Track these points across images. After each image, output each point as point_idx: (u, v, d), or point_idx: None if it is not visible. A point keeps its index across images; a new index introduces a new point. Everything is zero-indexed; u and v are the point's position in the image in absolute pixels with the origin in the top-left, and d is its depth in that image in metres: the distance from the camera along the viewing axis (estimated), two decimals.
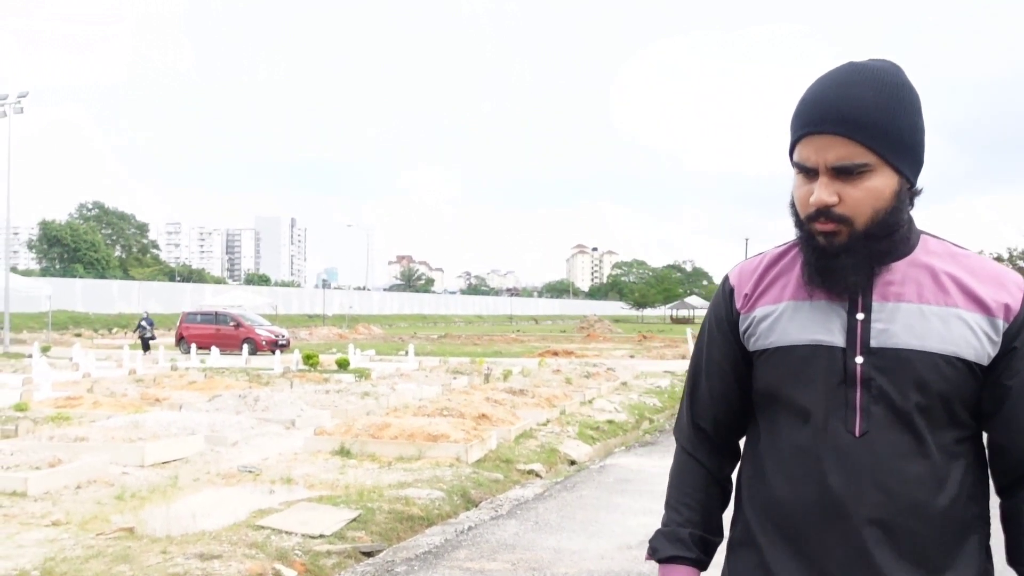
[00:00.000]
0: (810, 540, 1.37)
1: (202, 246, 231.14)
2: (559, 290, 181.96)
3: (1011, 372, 1.36)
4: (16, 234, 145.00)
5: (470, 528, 6.11)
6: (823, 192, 1.34)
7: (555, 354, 27.13)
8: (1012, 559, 1.41)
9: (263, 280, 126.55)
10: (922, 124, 1.37)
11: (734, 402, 1.54)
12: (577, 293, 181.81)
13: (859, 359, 1.36)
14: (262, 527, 5.83)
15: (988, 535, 1.40)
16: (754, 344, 1.47)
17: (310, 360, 19.68)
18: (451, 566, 5.12)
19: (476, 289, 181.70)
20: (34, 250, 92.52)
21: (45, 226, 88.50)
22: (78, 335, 41.33)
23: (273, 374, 18.09)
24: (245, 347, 26.14)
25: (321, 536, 5.77)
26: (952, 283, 1.38)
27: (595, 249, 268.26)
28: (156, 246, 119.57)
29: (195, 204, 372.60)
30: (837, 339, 1.38)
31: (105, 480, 7.39)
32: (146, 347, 28.55)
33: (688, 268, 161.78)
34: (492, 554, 5.49)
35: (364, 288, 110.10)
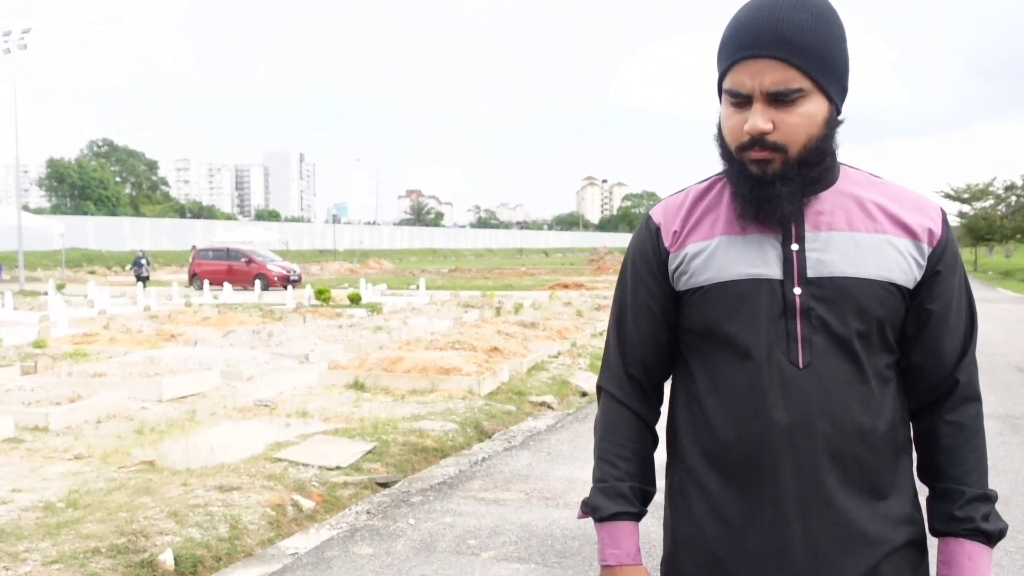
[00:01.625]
0: (762, 478, 1.35)
1: (211, 182, 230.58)
2: (569, 223, 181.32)
3: (932, 296, 1.38)
4: (26, 172, 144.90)
5: (484, 459, 6.22)
6: (758, 119, 1.29)
7: (565, 287, 27.17)
8: (924, 474, 1.45)
9: (273, 216, 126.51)
10: (848, 52, 1.35)
11: (662, 344, 1.49)
12: (587, 225, 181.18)
13: (797, 290, 1.35)
14: (279, 459, 5.94)
15: (912, 454, 1.43)
16: (686, 282, 1.43)
17: (322, 295, 19.77)
18: (466, 496, 5.22)
19: (486, 223, 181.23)
20: (43, 188, 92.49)
21: (53, 164, 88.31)
22: (91, 272, 41.59)
23: (286, 309, 18.21)
24: (257, 283, 26.27)
25: (337, 468, 5.88)
26: (879, 210, 1.38)
27: (605, 181, 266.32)
28: (166, 183, 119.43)
29: (204, 141, 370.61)
30: (774, 271, 1.36)
31: (124, 415, 7.52)
32: (143, 285, 28.16)
33: None
34: (506, 484, 5.60)
35: (374, 223, 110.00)
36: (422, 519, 4.77)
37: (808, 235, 1.36)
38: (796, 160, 1.32)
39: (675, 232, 1.45)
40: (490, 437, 7.14)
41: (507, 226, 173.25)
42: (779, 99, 1.29)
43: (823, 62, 1.29)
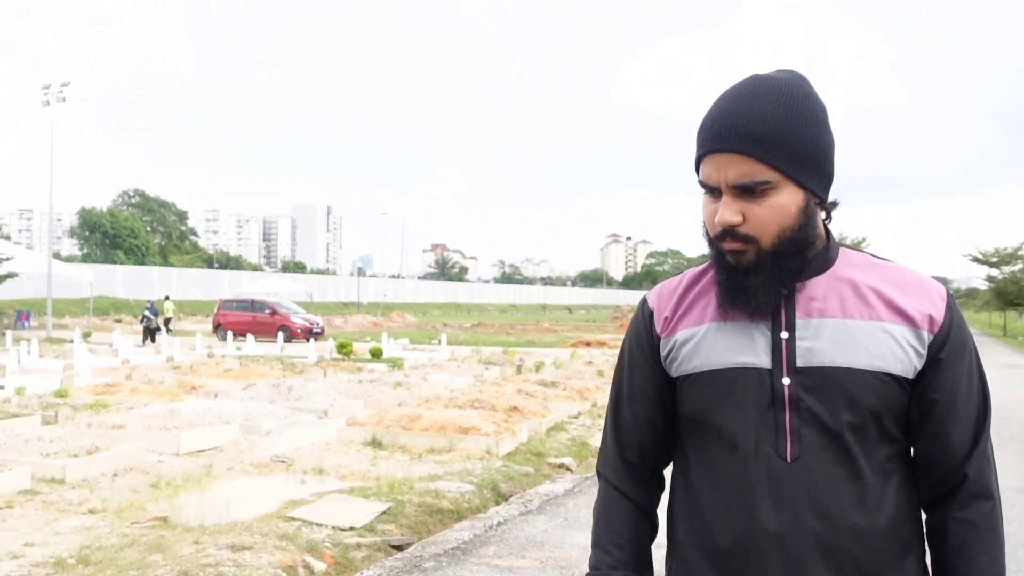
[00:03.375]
0: (757, 572, 1.31)
1: (239, 233, 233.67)
2: (593, 279, 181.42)
3: (937, 384, 1.32)
4: (59, 220, 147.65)
5: (499, 524, 6.11)
6: (726, 212, 1.29)
7: (588, 344, 27.04)
8: (937, 573, 1.37)
9: (299, 267, 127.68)
10: (829, 137, 1.32)
11: (659, 429, 1.47)
12: (611, 282, 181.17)
13: (786, 380, 1.31)
14: (293, 518, 5.87)
15: (924, 551, 1.36)
16: (677, 369, 1.40)
17: (344, 349, 19.81)
18: (479, 563, 5.12)
19: (510, 278, 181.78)
20: (75, 236, 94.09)
21: (85, 213, 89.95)
22: (118, 321, 41.98)
23: (307, 362, 18.24)
24: (280, 335, 26.39)
25: (351, 528, 5.81)
26: (875, 295, 1.33)
27: (629, 238, 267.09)
28: (195, 233, 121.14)
29: (233, 191, 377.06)
30: (763, 360, 1.33)
31: (141, 468, 7.50)
32: (151, 337, 27.09)
33: None
34: (521, 551, 5.49)
35: (399, 276, 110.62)
36: None
37: (799, 322, 1.32)
38: (770, 251, 1.30)
39: (667, 317, 1.44)
40: (507, 500, 7.04)
41: (531, 281, 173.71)
42: (746, 191, 1.28)
43: (791, 152, 1.27)
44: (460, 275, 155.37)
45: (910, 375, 1.30)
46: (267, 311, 31.17)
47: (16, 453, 7.20)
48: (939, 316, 1.33)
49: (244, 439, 9.06)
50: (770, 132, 1.27)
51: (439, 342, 24.84)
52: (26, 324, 35.75)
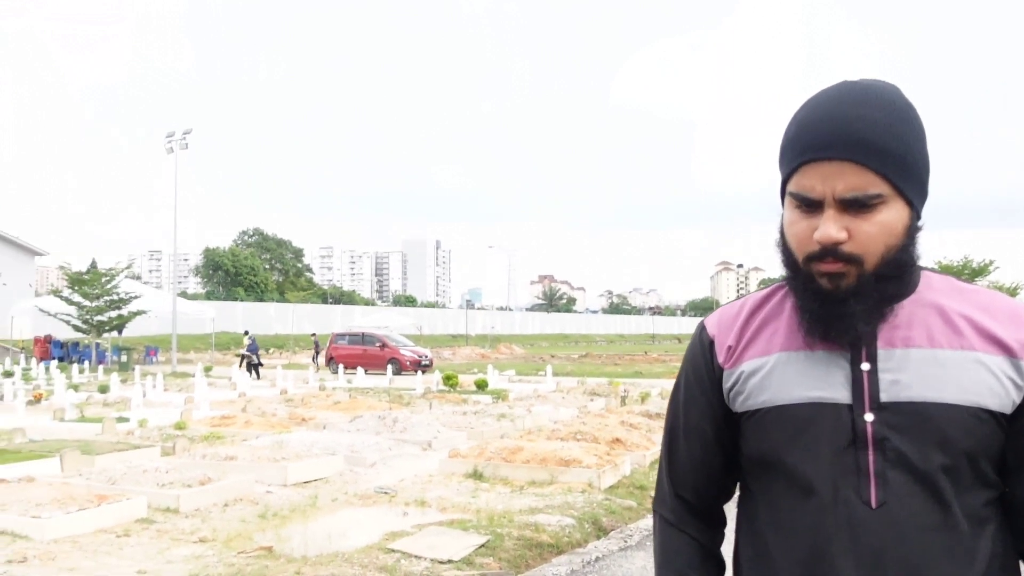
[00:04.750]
0: None
1: (352, 269, 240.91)
2: (703, 308, 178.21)
3: None
4: (185, 260, 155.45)
5: (597, 559, 5.99)
6: (831, 227, 1.14)
7: None
8: None
9: (410, 301, 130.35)
10: (928, 151, 1.20)
11: (716, 469, 1.36)
12: None
13: (869, 416, 1.17)
14: (393, 550, 5.91)
15: None
16: (742, 404, 1.27)
17: (450, 381, 20.01)
18: None
19: (618, 308, 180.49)
20: (199, 275, 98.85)
21: (208, 253, 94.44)
22: (238, 355, 43.68)
23: (414, 394, 18.50)
24: (389, 367, 26.90)
25: (449, 561, 5.79)
26: (965, 322, 1.19)
27: (740, 266, 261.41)
28: (310, 269, 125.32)
29: (346, 229, 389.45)
30: (841, 395, 1.19)
31: (250, 498, 7.71)
32: (255, 372, 27.76)
33: None
34: None
35: (506, 308, 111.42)
36: None
37: (881, 353, 1.19)
38: (873, 274, 1.17)
39: (730, 347, 1.31)
40: (607, 534, 6.90)
41: (639, 311, 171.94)
42: (855, 206, 1.15)
43: (902, 165, 1.15)
44: (568, 306, 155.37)
45: (1008, 410, 1.17)
46: (377, 344, 31.85)
47: (134, 483, 7.51)
48: None
49: (349, 470, 9.21)
50: (884, 140, 1.14)
51: (545, 373, 24.80)
52: (154, 359, 37.64)
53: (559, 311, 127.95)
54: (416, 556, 5.82)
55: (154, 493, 7.27)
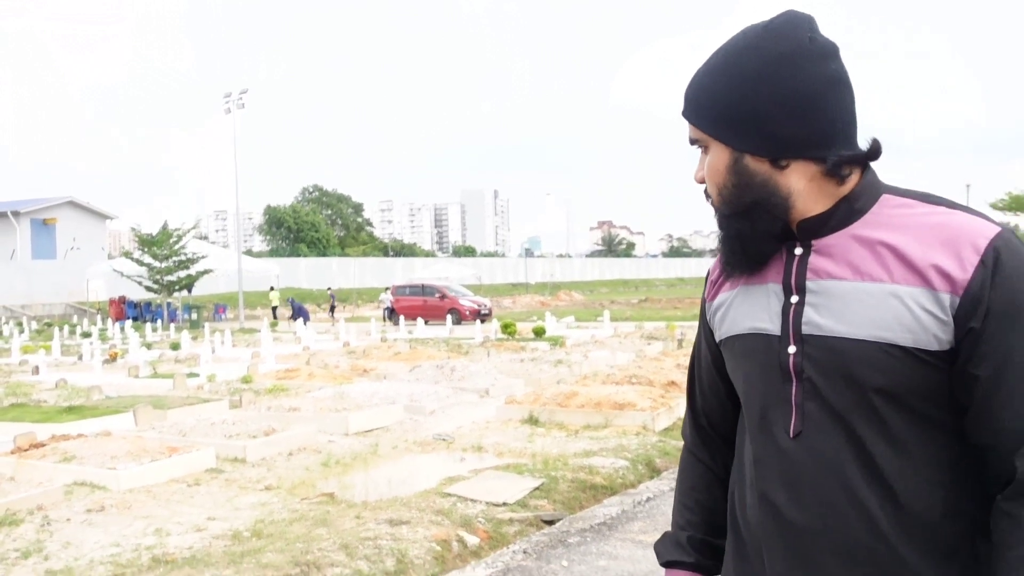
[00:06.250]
0: (767, 559, 1.24)
1: (412, 221, 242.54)
2: None
3: (977, 359, 1.10)
4: (250, 219, 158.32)
5: (648, 499, 6.08)
6: (696, 171, 1.29)
7: None
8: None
9: (469, 251, 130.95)
10: (776, 90, 1.17)
11: (723, 395, 1.42)
12: None
13: (792, 348, 1.19)
14: (449, 494, 6.08)
15: (977, 558, 1.15)
16: (717, 335, 1.36)
17: (508, 329, 20.18)
18: (623, 538, 5.12)
19: (678, 251, 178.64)
20: (263, 233, 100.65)
21: (270, 211, 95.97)
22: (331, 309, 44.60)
23: (473, 343, 18.74)
24: (449, 317, 27.23)
25: (504, 504, 5.94)
26: (890, 253, 1.15)
27: None
28: (370, 224, 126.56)
29: (405, 181, 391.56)
30: (774, 325, 1.22)
31: (313, 448, 7.99)
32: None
33: None
34: (667, 527, 5.43)
35: (566, 255, 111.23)
36: (576, 561, 4.73)
37: (809, 285, 1.20)
38: (719, 211, 1.27)
39: (712, 281, 1.40)
40: (660, 475, 6.98)
41: (700, 254, 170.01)
42: (702, 150, 1.27)
43: (712, 111, 1.23)
44: (627, 251, 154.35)
45: (933, 347, 1.11)
46: (437, 295, 32.17)
47: (203, 435, 7.84)
48: (963, 275, 1.10)
49: (409, 419, 9.45)
50: (695, 92, 1.25)
51: (602, 319, 24.83)
52: (222, 316, 38.67)
53: (618, 256, 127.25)
54: (472, 500, 5.99)
55: (222, 444, 7.58)
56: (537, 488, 6.27)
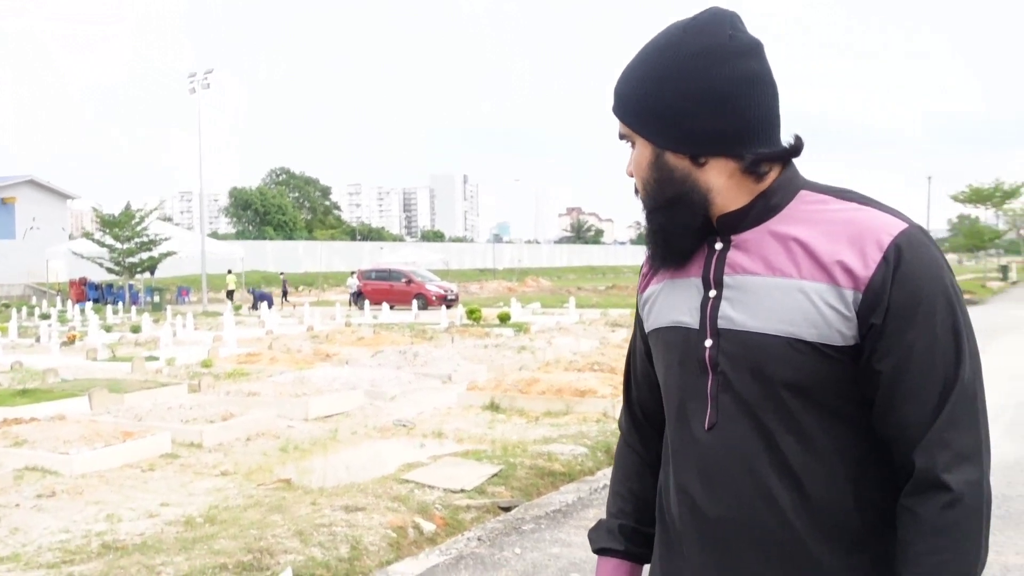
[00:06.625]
0: (686, 549, 1.26)
1: (380, 205, 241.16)
2: None
3: (880, 355, 1.12)
4: (215, 200, 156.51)
5: (605, 486, 6.10)
6: (627, 164, 1.30)
7: None
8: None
9: (438, 236, 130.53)
10: (695, 86, 1.18)
11: (655, 386, 1.42)
12: None
13: (708, 342, 1.22)
14: (407, 481, 6.07)
15: (888, 550, 1.16)
16: (645, 327, 1.38)
17: (473, 315, 20.16)
18: (578, 525, 5.14)
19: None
20: (229, 215, 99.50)
21: (236, 193, 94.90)
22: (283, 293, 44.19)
23: (438, 329, 18.69)
24: (415, 302, 27.13)
25: (462, 491, 5.94)
26: (801, 249, 1.16)
27: None
28: (338, 207, 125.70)
29: (374, 165, 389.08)
30: (693, 319, 1.25)
31: (272, 433, 7.93)
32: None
33: None
34: None
35: (534, 241, 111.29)
36: (529, 548, 4.74)
37: (726, 279, 1.22)
38: (644, 205, 1.28)
39: (643, 274, 1.41)
40: None
41: None
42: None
43: (632, 105, 1.24)
44: (596, 238, 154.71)
45: (837, 342, 1.13)
46: (403, 280, 32.04)
47: (160, 420, 7.75)
48: (865, 271, 1.12)
49: (370, 404, 9.41)
50: (622, 87, 1.26)
51: (568, 305, 24.89)
52: (186, 299, 38.20)
53: (587, 243, 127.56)
54: (430, 486, 5.98)
55: (178, 429, 7.50)
56: (495, 475, 6.28)
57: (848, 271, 1.13)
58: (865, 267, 1.12)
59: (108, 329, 20.28)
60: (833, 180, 1.27)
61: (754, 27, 1.23)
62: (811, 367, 1.14)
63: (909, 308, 1.11)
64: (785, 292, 1.15)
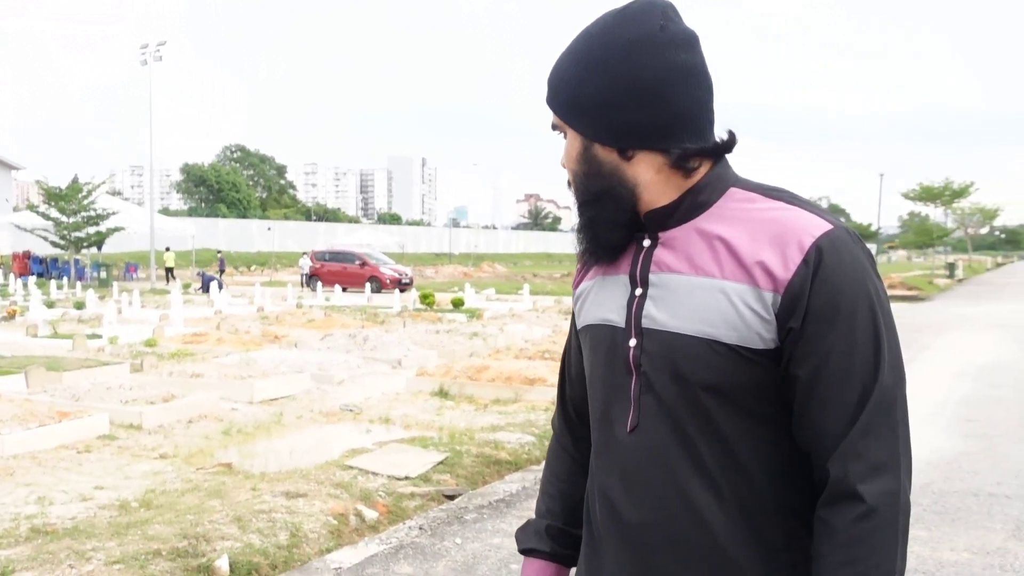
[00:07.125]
0: (605, 552, 1.24)
1: (337, 186, 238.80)
2: None
3: (798, 359, 1.09)
4: (167, 176, 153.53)
5: None
6: (562, 156, 1.26)
7: None
8: None
9: (395, 219, 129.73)
10: (621, 79, 1.13)
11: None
12: None
13: (632, 341, 1.18)
14: (351, 467, 5.99)
15: (808, 557, 1.13)
16: (577, 323, 1.35)
17: (426, 299, 20.03)
18: (520, 515, 5.11)
19: None
20: (181, 191, 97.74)
21: (188, 169, 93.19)
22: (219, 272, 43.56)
23: (390, 313, 18.54)
24: (369, 285, 26.91)
25: (407, 478, 5.88)
26: (724, 248, 1.13)
27: None
28: (294, 187, 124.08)
29: (331, 145, 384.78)
30: (619, 318, 1.21)
31: (215, 416, 7.78)
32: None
33: (824, 205, 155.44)
34: None
35: (491, 227, 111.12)
36: (470, 539, 4.70)
37: (652, 278, 1.18)
38: (576, 198, 1.24)
39: (578, 269, 1.38)
40: None
41: None
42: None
43: (562, 96, 1.20)
44: (553, 225, 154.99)
45: (757, 345, 1.10)
46: (357, 262, 31.75)
47: (98, 400, 7.55)
48: (785, 272, 1.08)
49: (316, 388, 9.28)
50: (553, 77, 1.22)
51: (523, 292, 24.89)
52: (134, 276, 37.46)
53: (544, 230, 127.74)
54: (374, 473, 5.91)
55: (117, 410, 7.31)
56: (441, 462, 6.23)
57: (768, 272, 1.10)
58: (785, 269, 1.09)
59: (51, 305, 19.77)
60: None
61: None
62: (731, 370, 1.11)
63: (828, 312, 1.08)
64: (707, 292, 1.12)
